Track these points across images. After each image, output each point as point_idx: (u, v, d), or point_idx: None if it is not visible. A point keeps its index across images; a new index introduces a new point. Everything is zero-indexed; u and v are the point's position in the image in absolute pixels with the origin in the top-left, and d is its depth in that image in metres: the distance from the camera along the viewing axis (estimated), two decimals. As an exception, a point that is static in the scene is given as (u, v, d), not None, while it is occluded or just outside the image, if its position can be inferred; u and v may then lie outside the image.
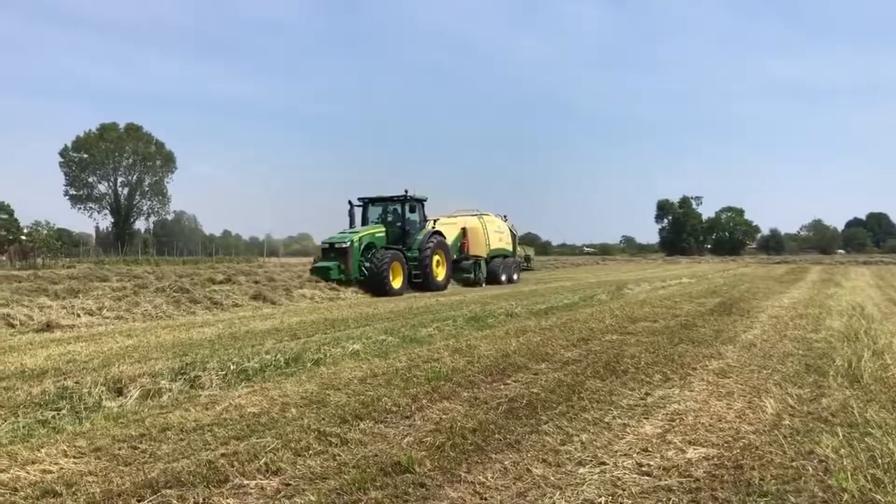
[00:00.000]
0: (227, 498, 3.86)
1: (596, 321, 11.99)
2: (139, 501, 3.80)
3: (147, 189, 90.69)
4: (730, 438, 4.94)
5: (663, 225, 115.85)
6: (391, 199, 24.35)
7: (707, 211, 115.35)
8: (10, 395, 6.37)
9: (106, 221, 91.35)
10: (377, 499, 3.83)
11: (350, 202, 24.10)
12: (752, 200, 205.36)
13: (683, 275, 32.41)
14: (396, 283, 21.63)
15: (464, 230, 27.70)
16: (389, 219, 24.22)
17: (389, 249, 22.21)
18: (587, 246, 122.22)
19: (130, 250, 70.17)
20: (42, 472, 4.26)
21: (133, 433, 5.16)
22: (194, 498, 3.84)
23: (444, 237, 24.98)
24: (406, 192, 23.83)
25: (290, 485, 4.06)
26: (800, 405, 5.89)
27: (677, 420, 5.46)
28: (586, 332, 10.60)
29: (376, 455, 4.55)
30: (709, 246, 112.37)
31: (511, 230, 31.13)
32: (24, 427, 5.42)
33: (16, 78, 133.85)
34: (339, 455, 4.58)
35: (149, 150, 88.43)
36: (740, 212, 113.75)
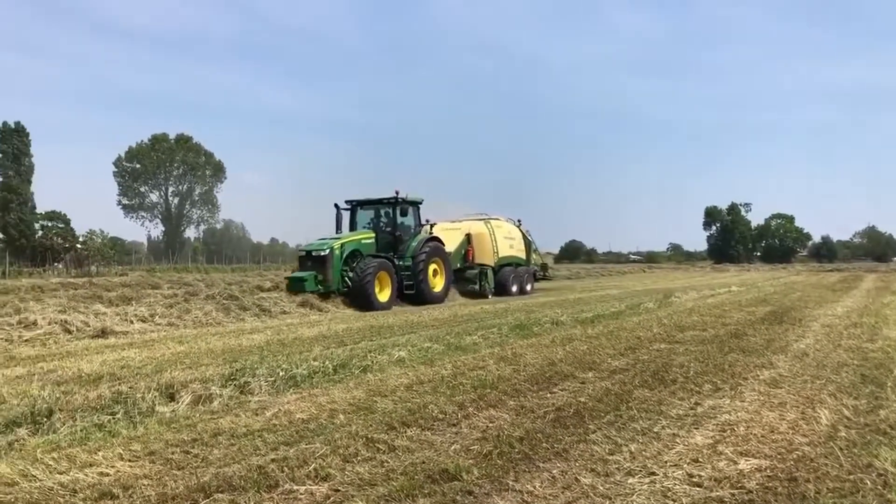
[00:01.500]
0: (278, 503, 3.92)
1: (643, 330, 11.85)
2: (192, 505, 3.87)
3: (197, 198, 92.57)
4: (783, 450, 4.84)
5: (711, 232, 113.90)
6: (381, 202, 21.96)
7: (756, 218, 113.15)
8: (68, 398, 6.54)
9: (157, 230, 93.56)
10: (425, 506, 3.85)
11: (336, 205, 21.88)
12: (802, 207, 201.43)
13: (732, 283, 31.83)
14: (383, 295, 19.47)
15: (468, 236, 25.25)
16: (380, 224, 22.06)
17: (376, 258, 19.97)
18: (633, 254, 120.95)
19: (181, 258, 71.60)
20: (99, 475, 4.37)
21: (185, 438, 5.26)
22: (245, 502, 3.90)
23: (443, 243, 22.68)
24: (397, 193, 21.34)
25: (339, 490, 4.10)
26: (856, 417, 5.75)
27: (728, 431, 5.37)
28: (634, 340, 10.48)
29: (424, 462, 4.57)
30: (758, 253, 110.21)
31: (525, 236, 28.78)
32: (81, 430, 5.56)
33: (72, 90, 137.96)
34: (387, 462, 4.61)
35: (198, 160, 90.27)
36: (791, 218, 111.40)
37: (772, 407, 6.16)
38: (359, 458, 4.70)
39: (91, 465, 4.57)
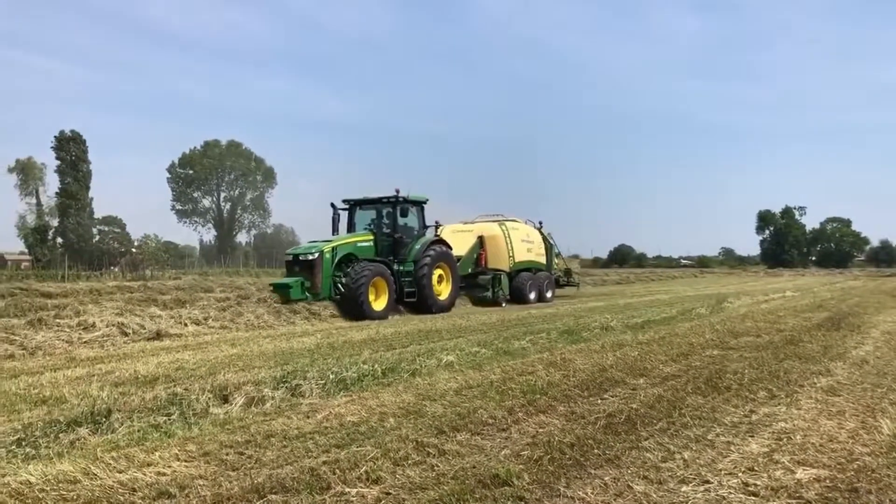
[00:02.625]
0: (330, 505, 3.95)
1: (695, 335, 11.66)
2: (247, 505, 3.93)
3: (248, 203, 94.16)
4: (843, 460, 4.71)
5: (764, 236, 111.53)
6: (380, 202, 20.06)
7: (811, 222, 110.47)
8: (125, 399, 6.70)
9: (209, 234, 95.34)
10: (476, 510, 3.85)
11: (333, 205, 20.20)
12: (860, 211, 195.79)
13: (787, 288, 31.13)
14: (379, 303, 17.54)
15: (481, 239, 23.29)
16: (381, 225, 20.09)
17: (373, 262, 18.11)
18: (684, 258, 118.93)
19: (232, 262, 72.82)
20: (157, 475, 4.47)
21: (239, 439, 5.35)
22: (298, 503, 3.95)
23: (449, 247, 20.77)
24: (397, 191, 19.52)
25: (390, 494, 4.12)
26: (919, 427, 5.57)
27: (785, 439, 5.25)
28: (686, 346, 10.32)
29: (474, 467, 4.57)
30: (813, 258, 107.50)
31: (546, 239, 26.59)
32: (139, 430, 5.70)
33: (126, 99, 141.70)
34: (438, 466, 4.62)
35: (249, 165, 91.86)
36: (847, 223, 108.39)
37: (830, 415, 6.01)
38: (409, 461, 4.72)
39: (149, 465, 4.67)
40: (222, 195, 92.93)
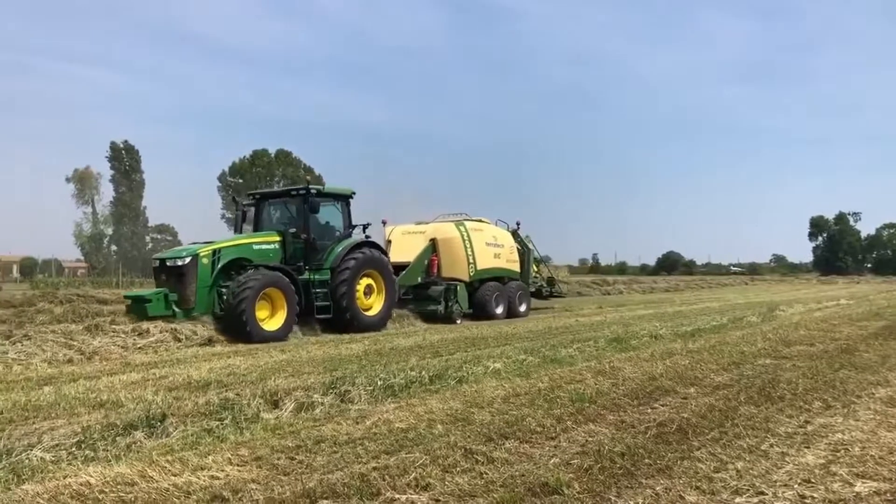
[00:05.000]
0: (380, 510, 3.98)
1: (747, 344, 11.44)
2: (299, 509, 3.98)
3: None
4: (904, 473, 4.58)
5: (817, 243, 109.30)
6: (288, 195, 16.65)
7: (867, 228, 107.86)
8: (179, 404, 6.85)
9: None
10: (526, 519, 3.84)
11: (235, 200, 18.00)
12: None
13: (841, 296, 30.37)
14: (272, 322, 14.04)
15: (433, 242, 19.88)
16: (293, 224, 16.14)
17: (272, 269, 14.41)
18: (734, 265, 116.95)
19: (280, 269, 73.83)
20: (210, 478, 4.55)
21: (290, 444, 5.42)
22: (349, 509, 3.99)
23: (383, 251, 17.44)
24: (307, 181, 16.56)
25: (439, 501, 4.14)
26: (985, 440, 5.38)
27: (842, 451, 5.12)
28: (737, 355, 10.13)
29: (523, 475, 4.56)
30: (868, 265, 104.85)
31: (522, 243, 23.04)
32: (192, 434, 5.82)
33: (177, 110, 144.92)
34: (486, 473, 4.62)
35: (297, 174, 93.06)
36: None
37: (890, 427, 5.85)
38: (458, 468, 4.73)
39: (202, 469, 4.76)
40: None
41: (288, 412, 6.65)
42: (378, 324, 16.21)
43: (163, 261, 14.34)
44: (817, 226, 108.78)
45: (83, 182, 73.93)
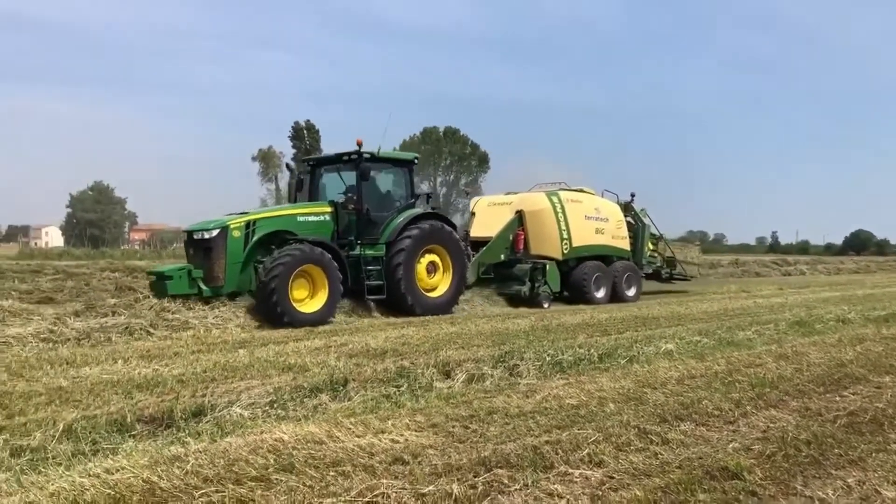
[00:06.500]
0: (554, 484, 4.03)
1: (952, 332, 10.42)
2: (475, 477, 4.10)
3: (462, 187, 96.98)
4: None
5: None
6: (340, 160, 14.52)
7: None
8: (359, 370, 7.25)
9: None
10: (706, 501, 3.76)
11: (288, 166, 15.78)
12: None
13: None
14: (311, 304, 12.43)
15: (519, 215, 17.63)
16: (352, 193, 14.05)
17: (317, 244, 12.76)
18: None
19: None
20: (391, 442, 4.79)
21: (463, 413, 5.58)
22: (523, 480, 4.06)
23: (451, 223, 15.27)
24: (359, 144, 13.80)
25: (613, 478, 4.12)
26: None
27: None
28: (941, 343, 9.26)
29: (700, 458, 4.44)
30: None
31: (636, 217, 20.35)
32: (372, 399, 6.15)
33: (353, 90, 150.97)
34: (661, 454, 4.55)
35: (464, 150, 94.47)
36: None
37: None
38: (632, 447, 4.68)
39: (383, 432, 5.01)
40: (438, 180, 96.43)
41: (459, 382, 6.86)
42: (445, 305, 14.47)
43: (191, 233, 12.91)
44: None
45: (267, 161, 78.81)
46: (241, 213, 12.89)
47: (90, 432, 5.10)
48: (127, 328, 10.32)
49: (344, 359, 8.01)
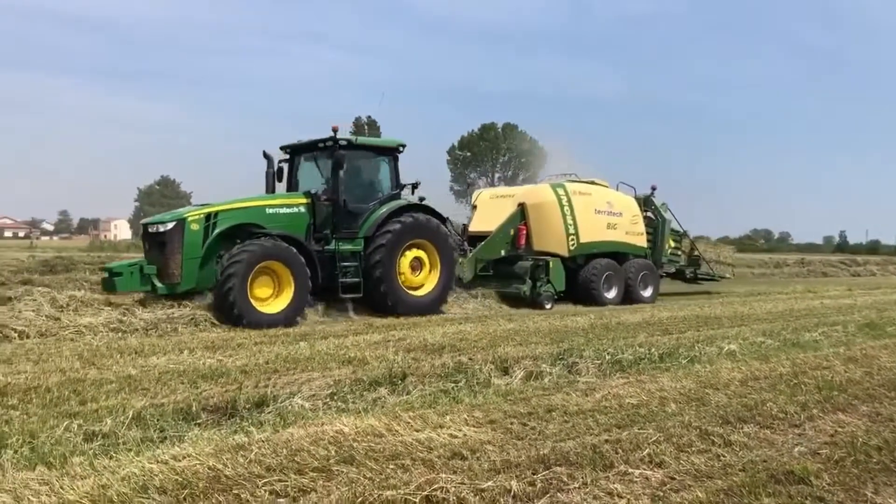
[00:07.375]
0: (614, 483, 3.99)
1: None
2: (534, 474, 4.09)
3: (520, 183, 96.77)
4: None
5: None
6: (316, 147, 13.51)
7: None
8: (417, 365, 7.30)
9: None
10: (770, 506, 3.68)
11: (265, 154, 13.72)
12: None
13: None
14: (275, 303, 11.56)
15: (521, 208, 16.53)
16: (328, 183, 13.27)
17: (286, 238, 11.83)
18: None
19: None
20: (450, 436, 4.81)
21: (521, 410, 5.57)
22: (583, 478, 4.04)
23: (439, 216, 13.98)
24: (334, 130, 12.86)
25: (674, 479, 4.07)
26: None
27: None
28: None
29: (765, 461, 4.36)
30: None
31: (656, 212, 18.77)
32: (430, 394, 6.20)
33: (413, 86, 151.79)
34: (724, 456, 4.47)
35: (523, 146, 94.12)
36: None
37: None
38: (693, 448, 4.61)
39: (441, 427, 5.03)
40: (496, 176, 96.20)
41: (518, 379, 6.86)
42: (429, 306, 13.36)
43: (146, 227, 12.31)
44: None
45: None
46: (202, 205, 12.14)
47: (158, 420, 5.26)
48: (192, 319, 10.61)
49: (402, 353, 8.08)
